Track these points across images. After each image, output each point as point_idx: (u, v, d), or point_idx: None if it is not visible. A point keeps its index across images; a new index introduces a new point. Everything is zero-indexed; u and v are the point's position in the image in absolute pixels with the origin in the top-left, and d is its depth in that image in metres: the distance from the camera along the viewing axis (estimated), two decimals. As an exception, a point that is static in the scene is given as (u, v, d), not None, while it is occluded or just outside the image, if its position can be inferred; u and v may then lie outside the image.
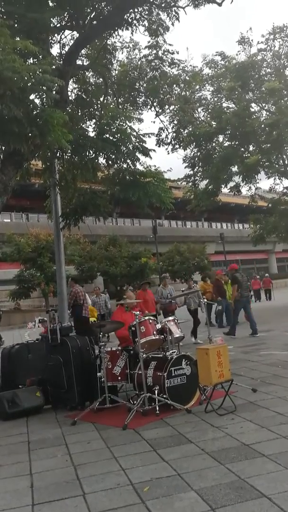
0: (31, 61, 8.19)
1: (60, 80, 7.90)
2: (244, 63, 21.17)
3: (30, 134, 7.73)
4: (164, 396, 6.07)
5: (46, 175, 12.27)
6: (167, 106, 16.11)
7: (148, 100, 15.05)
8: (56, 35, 11.64)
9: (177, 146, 20.64)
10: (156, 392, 6.10)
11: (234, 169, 22.46)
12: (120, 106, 14.37)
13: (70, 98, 12.65)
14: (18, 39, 7.91)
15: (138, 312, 6.74)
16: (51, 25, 10.29)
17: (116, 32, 12.83)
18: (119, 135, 10.41)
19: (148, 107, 15.28)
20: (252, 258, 71.26)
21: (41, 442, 5.61)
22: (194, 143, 21.58)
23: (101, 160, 11.33)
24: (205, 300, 8.26)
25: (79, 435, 5.68)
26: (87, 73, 13.90)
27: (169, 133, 19.06)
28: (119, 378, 6.74)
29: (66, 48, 11.97)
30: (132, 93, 14.98)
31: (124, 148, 10.58)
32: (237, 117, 20.23)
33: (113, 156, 10.72)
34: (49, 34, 10.38)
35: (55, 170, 11.51)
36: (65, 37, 12.18)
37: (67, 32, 11.93)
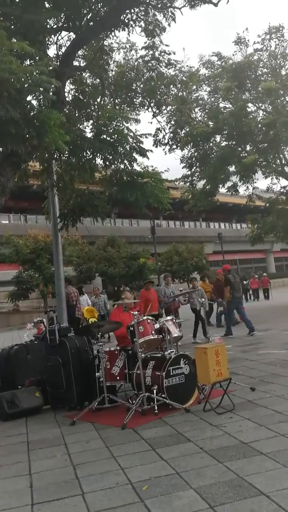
0: (28, 63, 8.22)
1: (57, 81, 7.92)
2: (241, 63, 21.20)
3: (27, 135, 7.75)
4: (163, 395, 6.08)
5: (43, 176, 12.28)
6: (164, 107, 16.10)
7: (145, 100, 15.06)
8: (52, 36, 11.64)
9: (174, 146, 20.67)
10: (154, 391, 6.12)
11: (232, 169, 22.50)
12: (117, 107, 14.37)
13: (67, 99, 12.66)
14: (15, 40, 7.93)
15: (136, 312, 6.75)
16: (48, 26, 10.29)
17: (112, 33, 12.84)
18: (116, 136, 10.42)
19: (145, 107, 15.29)
20: (250, 258, 71.34)
21: (40, 442, 5.62)
22: (191, 143, 21.60)
23: (99, 161, 11.36)
24: (203, 300, 8.30)
25: (78, 435, 5.70)
26: (84, 74, 13.90)
27: (166, 133, 19.11)
28: (118, 378, 6.75)
29: (63, 49, 12.00)
30: (129, 94, 14.98)
31: (121, 149, 10.59)
32: (234, 117, 20.25)
33: (111, 157, 10.73)
34: (46, 35, 10.39)
35: (52, 171, 11.52)
36: (62, 38, 12.20)
37: (63, 33, 11.95)
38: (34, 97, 8.01)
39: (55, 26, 11.21)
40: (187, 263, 44.64)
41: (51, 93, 7.95)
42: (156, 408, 6.01)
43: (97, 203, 11.23)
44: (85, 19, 10.99)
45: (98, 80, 13.99)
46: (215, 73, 22.04)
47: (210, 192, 23.36)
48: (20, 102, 7.45)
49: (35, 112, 7.82)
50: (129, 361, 6.83)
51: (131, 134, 10.86)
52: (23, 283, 37.61)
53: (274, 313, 19.61)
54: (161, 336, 6.81)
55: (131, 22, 12.07)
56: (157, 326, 6.86)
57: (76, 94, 13.85)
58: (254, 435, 4.76)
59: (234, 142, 22.08)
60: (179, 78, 15.36)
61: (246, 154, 21.81)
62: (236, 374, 7.53)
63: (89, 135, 11.44)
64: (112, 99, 14.74)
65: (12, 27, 8.73)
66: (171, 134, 19.83)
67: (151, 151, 11.25)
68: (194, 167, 22.95)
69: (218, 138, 22.69)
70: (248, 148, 22.44)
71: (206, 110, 22.27)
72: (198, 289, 13.20)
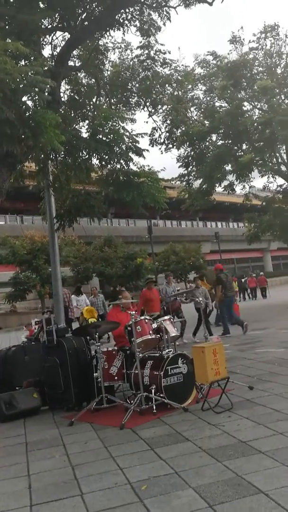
0: (23, 63, 8.18)
1: (52, 81, 7.89)
2: (236, 62, 21.20)
3: (23, 136, 7.73)
4: (161, 395, 6.07)
5: (39, 177, 12.24)
6: (159, 106, 16.11)
7: (141, 100, 15.04)
8: (47, 36, 11.60)
9: (170, 145, 20.69)
10: (152, 391, 6.11)
11: (228, 168, 22.51)
12: (112, 107, 14.36)
13: (63, 99, 12.62)
14: (9, 40, 7.90)
15: (133, 312, 6.75)
16: (42, 26, 10.27)
17: (107, 33, 12.80)
18: (112, 135, 10.40)
19: (141, 107, 15.27)
20: (247, 257, 71.47)
21: (39, 443, 5.61)
22: (187, 143, 21.60)
23: (95, 161, 11.33)
24: (201, 299, 8.31)
25: (77, 435, 5.69)
26: (79, 74, 13.87)
27: (162, 133, 19.13)
28: (116, 378, 6.75)
29: (58, 49, 11.95)
30: (125, 94, 14.96)
31: (117, 149, 10.58)
32: (229, 116, 20.26)
33: (107, 157, 10.72)
34: (40, 35, 10.35)
35: (48, 172, 11.49)
36: (57, 38, 12.15)
37: (58, 33, 11.91)
38: (29, 98, 7.97)
39: (49, 26, 11.18)
40: (184, 263, 44.71)
41: (46, 93, 7.92)
42: (154, 407, 6.01)
43: (94, 203, 11.21)
44: (79, 19, 10.96)
45: (93, 80, 13.95)
46: (211, 72, 22.05)
47: (207, 191, 23.36)
48: (15, 103, 7.42)
49: (30, 112, 7.79)
50: (127, 361, 6.82)
51: (127, 133, 10.85)
52: (20, 284, 37.63)
53: (272, 311, 19.63)
54: (159, 335, 6.81)
55: (126, 22, 12.05)
56: (154, 325, 6.85)
57: (72, 94, 13.82)
58: (252, 434, 4.75)
59: (230, 141, 22.08)
60: (175, 78, 15.35)
61: (242, 153, 21.81)
62: (234, 373, 7.53)
63: (85, 135, 11.42)
64: (107, 99, 14.72)
65: (7, 27, 8.71)
66: (167, 134, 19.86)
67: (147, 150, 11.24)
68: (191, 166, 22.95)
69: (214, 137, 22.70)
70: (244, 147, 22.44)
71: (202, 109, 22.28)
72: (201, 288, 13.14)
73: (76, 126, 12.76)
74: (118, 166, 11.07)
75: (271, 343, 10.78)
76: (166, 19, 12.09)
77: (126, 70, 14.77)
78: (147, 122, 17.21)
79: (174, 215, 57.05)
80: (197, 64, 22.21)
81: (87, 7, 10.98)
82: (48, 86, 7.68)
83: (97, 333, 6.79)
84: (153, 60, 14.00)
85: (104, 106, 13.69)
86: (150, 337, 6.62)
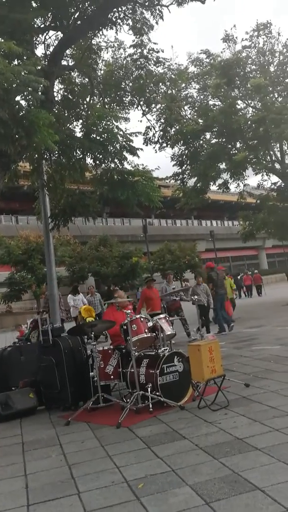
0: (16, 62, 8.16)
1: (45, 81, 7.88)
2: (229, 60, 21.19)
3: (16, 136, 7.71)
4: (157, 393, 6.08)
5: (34, 177, 12.23)
6: (153, 105, 16.08)
7: (135, 99, 15.02)
8: (40, 35, 11.57)
9: (164, 144, 20.65)
10: (149, 389, 6.12)
11: (222, 166, 22.51)
12: (106, 106, 14.34)
13: (56, 98, 12.59)
14: (2, 40, 7.88)
15: (129, 311, 6.75)
16: (35, 25, 10.25)
17: (100, 32, 12.80)
18: (106, 135, 10.40)
19: (135, 106, 15.25)
20: (242, 255, 71.60)
21: (35, 443, 5.61)
22: (181, 141, 21.57)
23: (89, 160, 11.33)
24: (196, 297, 8.32)
25: (73, 435, 5.69)
26: (72, 74, 13.83)
27: (156, 131, 19.07)
28: (112, 377, 6.75)
29: (51, 49, 11.92)
30: (118, 93, 14.94)
31: (111, 148, 10.58)
32: (223, 114, 20.25)
33: (101, 156, 10.72)
34: (33, 34, 10.33)
35: (42, 172, 11.47)
36: (50, 37, 12.12)
37: (51, 32, 11.88)
38: (23, 97, 7.96)
39: (42, 26, 11.16)
40: (179, 262, 44.68)
41: (39, 93, 7.91)
42: (150, 406, 6.02)
43: (88, 203, 11.21)
44: (72, 18, 10.94)
45: (87, 79, 13.93)
46: (204, 70, 22.03)
47: (201, 190, 23.36)
48: (9, 102, 7.41)
49: (23, 112, 7.77)
50: (123, 360, 6.82)
51: (121, 133, 10.85)
52: (16, 284, 37.53)
53: (267, 309, 19.68)
54: (154, 334, 6.81)
55: (119, 21, 12.04)
56: (150, 324, 6.86)
57: (65, 93, 13.79)
58: (249, 431, 4.77)
59: (224, 140, 22.07)
60: (168, 76, 15.33)
61: (236, 151, 21.80)
62: (230, 371, 7.56)
63: (78, 134, 11.41)
64: (101, 98, 14.69)
65: (-1, 26, 8.68)
66: (161, 132, 19.81)
67: (141, 149, 11.24)
68: (185, 165, 22.93)
69: (208, 135, 22.68)
70: (238, 145, 22.44)
71: (196, 108, 22.25)
72: (202, 285, 13.12)
73: (70, 126, 12.75)
74: (113, 165, 11.07)
75: (267, 340, 10.81)
76: (158, 17, 12.09)
77: (119, 69, 14.75)
78: (141, 121, 17.16)
79: (169, 214, 57.07)
80: (191, 62, 22.20)
81: (80, 6, 10.96)
82: (41, 85, 7.68)
83: (93, 332, 6.79)
84: (147, 59, 13.98)
85: (98, 105, 13.67)
86: (145, 335, 6.63)
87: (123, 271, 39.99)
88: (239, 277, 33.98)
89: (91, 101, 13.91)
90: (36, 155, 10.21)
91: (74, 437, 5.57)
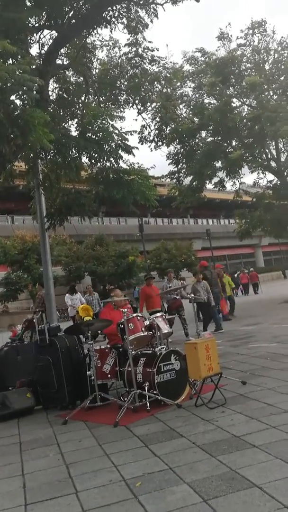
0: (10, 61, 8.14)
1: (40, 80, 7.87)
2: (224, 59, 21.21)
3: (11, 135, 7.70)
4: (154, 392, 6.08)
5: (29, 176, 12.21)
6: (148, 104, 16.06)
7: (130, 98, 15.00)
8: (34, 34, 11.55)
9: (160, 143, 20.65)
10: (146, 388, 6.12)
11: (218, 164, 22.53)
12: (101, 105, 14.31)
13: (51, 97, 12.58)
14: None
15: (125, 310, 6.75)
16: (29, 24, 10.22)
17: (95, 31, 12.79)
18: (101, 133, 10.39)
19: (130, 105, 15.22)
20: (239, 253, 71.66)
21: (33, 442, 5.61)
22: (177, 140, 21.58)
23: (84, 159, 11.31)
24: (193, 295, 8.33)
25: (71, 434, 5.69)
26: (67, 72, 13.81)
27: (151, 130, 19.09)
28: (109, 376, 6.75)
29: (45, 48, 11.90)
30: (114, 91, 14.92)
31: (106, 147, 10.57)
32: (219, 113, 20.25)
33: (96, 155, 10.71)
34: (28, 34, 10.31)
35: (38, 171, 11.46)
36: (44, 36, 12.10)
37: (46, 31, 11.86)
38: (18, 96, 7.94)
39: (36, 25, 11.13)
40: (176, 260, 44.74)
41: (34, 92, 7.90)
42: (148, 404, 6.02)
43: (84, 202, 11.20)
44: (67, 17, 10.92)
45: (81, 78, 13.91)
46: (199, 69, 22.04)
47: (197, 188, 23.37)
48: (3, 102, 7.40)
49: (18, 111, 7.76)
50: (120, 359, 6.83)
51: (116, 131, 10.85)
52: (12, 284, 37.47)
53: (264, 307, 19.73)
54: (151, 332, 6.81)
55: (113, 19, 12.02)
56: (147, 323, 6.86)
57: (60, 92, 13.75)
58: (246, 428, 4.78)
59: (219, 138, 22.09)
60: (163, 75, 15.30)
61: (232, 150, 21.84)
62: (227, 369, 7.57)
63: (74, 133, 11.40)
64: (96, 97, 14.67)
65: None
66: (157, 131, 19.82)
67: (137, 148, 11.24)
68: (181, 164, 22.94)
69: (203, 134, 22.70)
70: (233, 143, 22.46)
71: (191, 106, 22.26)
72: (202, 282, 13.10)
73: (65, 125, 12.74)
74: (108, 164, 11.07)
75: (264, 338, 10.83)
76: (153, 16, 12.07)
77: (114, 68, 14.72)
78: (136, 119, 17.30)
79: (165, 213, 57.06)
80: (186, 61, 22.22)
81: (74, 5, 10.94)
82: (36, 84, 7.66)
83: (90, 331, 6.78)
84: (141, 57, 13.97)
85: (93, 104, 13.65)
86: (142, 334, 6.63)
87: (119, 270, 39.99)
88: (235, 275, 34.05)
89: (86, 100, 13.88)
90: (32, 155, 10.20)
91: (71, 436, 5.57)
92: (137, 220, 45.05)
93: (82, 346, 7.36)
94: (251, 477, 3.62)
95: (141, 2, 11.94)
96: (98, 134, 10.37)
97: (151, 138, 19.69)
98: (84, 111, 12.42)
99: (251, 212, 25.15)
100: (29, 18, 9.90)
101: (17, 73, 7.28)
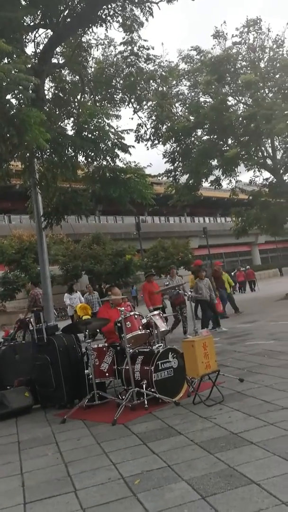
0: (5, 61, 8.13)
1: (35, 79, 7.87)
2: (220, 57, 21.17)
3: (7, 134, 7.70)
4: (152, 390, 6.10)
5: (26, 176, 12.21)
6: (144, 102, 16.08)
7: (126, 96, 15.01)
8: (30, 33, 11.56)
9: (156, 141, 20.66)
10: (144, 386, 6.13)
11: (214, 162, 22.53)
12: (97, 104, 14.32)
13: (47, 97, 12.59)
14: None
15: (123, 308, 6.76)
16: (25, 23, 10.22)
17: (90, 29, 12.81)
18: (97, 132, 10.41)
19: (126, 103, 15.23)
20: (235, 251, 71.69)
21: (31, 441, 5.61)
22: (173, 138, 21.57)
23: (81, 158, 11.33)
24: (190, 293, 8.32)
25: (69, 432, 5.70)
26: (63, 71, 13.81)
27: (147, 129, 19.11)
28: (107, 374, 6.76)
29: (41, 47, 11.90)
30: (109, 90, 14.92)
31: (103, 145, 10.58)
32: (214, 111, 20.26)
33: (92, 154, 10.72)
34: (23, 33, 10.30)
35: (34, 170, 11.45)
36: (39, 35, 12.12)
37: (41, 30, 11.87)
38: (13, 96, 7.93)
39: (32, 24, 11.13)
40: (173, 258, 44.68)
41: (30, 91, 7.90)
42: (146, 402, 6.03)
43: (81, 201, 11.20)
44: (62, 15, 10.92)
45: (77, 77, 13.91)
46: (195, 67, 22.00)
47: (194, 187, 23.37)
48: (-1, 101, 7.40)
49: (14, 110, 7.76)
50: (118, 357, 6.84)
51: (113, 130, 10.87)
52: (9, 283, 37.44)
53: (260, 304, 19.77)
54: (148, 331, 6.83)
55: (109, 18, 12.02)
56: (144, 321, 6.88)
57: (56, 91, 13.76)
58: (243, 425, 4.79)
59: (215, 136, 22.09)
60: (159, 73, 15.32)
61: (227, 148, 21.84)
62: (224, 366, 7.59)
63: (70, 132, 11.41)
64: (92, 96, 14.67)
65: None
66: (153, 130, 19.83)
67: (133, 147, 11.26)
68: (177, 162, 22.93)
69: (199, 132, 22.69)
70: (229, 141, 22.47)
71: (187, 105, 22.24)
72: (205, 280, 13.09)
73: (61, 124, 12.76)
74: (104, 162, 11.08)
75: (261, 335, 10.86)
76: (148, 14, 12.08)
77: (110, 66, 14.73)
78: (132, 118, 17.29)
79: (162, 211, 57.09)
80: (181, 59, 22.18)
81: (69, 3, 10.94)
82: (31, 83, 7.66)
83: (87, 330, 6.79)
84: (137, 56, 13.97)
85: (89, 103, 13.66)
86: (140, 332, 6.64)
87: (116, 268, 39.96)
88: (232, 273, 34.10)
89: (82, 99, 13.89)
90: (28, 154, 10.19)
91: (70, 435, 5.58)
92: (134, 218, 45.00)
93: (80, 345, 7.37)
94: (249, 474, 3.64)
95: (136, 1, 11.95)
96: (94, 133, 10.39)
97: (147, 136, 19.72)
98: (80, 110, 12.42)
99: (247, 210, 25.17)
100: (24, 17, 9.92)
101: (13, 72, 7.29)
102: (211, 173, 23.05)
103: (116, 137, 10.82)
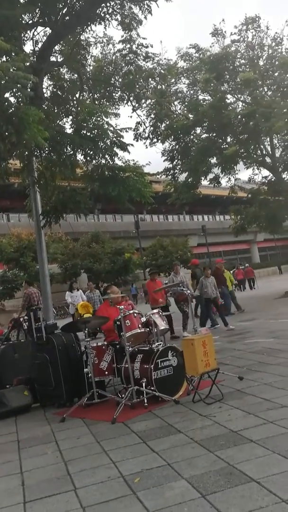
0: (4, 59, 8.11)
1: (34, 77, 7.85)
2: (218, 55, 21.14)
3: (6, 133, 7.68)
4: (152, 388, 6.09)
5: (24, 174, 12.20)
6: (143, 100, 16.05)
7: (124, 94, 14.98)
8: (28, 31, 11.52)
9: (155, 140, 20.63)
10: (143, 384, 6.13)
11: (213, 161, 22.50)
12: (96, 102, 14.29)
13: (45, 95, 12.56)
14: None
15: (122, 307, 6.76)
16: (23, 21, 10.19)
17: (89, 27, 12.74)
18: (96, 131, 10.39)
19: (125, 101, 15.20)
20: (234, 249, 71.81)
21: (31, 440, 5.61)
22: (172, 136, 21.54)
23: (79, 156, 11.31)
24: (189, 292, 8.34)
25: (69, 431, 5.69)
26: (61, 70, 13.78)
27: (146, 127, 19.07)
28: (106, 372, 6.75)
29: (39, 45, 11.87)
30: (108, 88, 14.89)
31: (101, 144, 10.56)
32: (213, 109, 20.22)
33: (91, 152, 10.70)
34: (21, 31, 10.27)
35: (33, 169, 11.44)
36: (38, 33, 12.06)
37: (39, 28, 11.82)
38: (12, 94, 7.92)
39: (30, 22, 11.10)
40: (172, 257, 44.69)
41: (28, 89, 7.88)
42: (145, 401, 6.03)
43: (80, 199, 11.19)
44: (60, 13, 10.88)
45: (76, 75, 13.88)
46: (193, 65, 21.96)
47: (193, 185, 23.35)
48: (-2, 99, 7.38)
49: (13, 109, 7.74)
50: (117, 356, 6.82)
51: (111, 128, 10.85)
52: (8, 282, 37.44)
53: (260, 302, 19.78)
54: (148, 329, 6.82)
55: (107, 16, 11.97)
56: (143, 319, 6.88)
57: (55, 90, 13.73)
58: (243, 423, 4.79)
59: (214, 134, 22.06)
60: (158, 71, 15.28)
61: (226, 146, 21.82)
62: (224, 364, 7.59)
63: (69, 131, 11.39)
64: (91, 94, 14.64)
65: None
66: (152, 128, 19.80)
67: (132, 145, 11.24)
68: (176, 160, 22.91)
69: (198, 130, 22.66)
70: (228, 139, 22.43)
71: (186, 103, 22.21)
72: (210, 278, 13.06)
73: (60, 122, 12.73)
74: (103, 161, 11.07)
75: (260, 333, 10.87)
76: (147, 12, 12.03)
77: (108, 64, 14.69)
78: (131, 116, 17.20)
79: (161, 210, 57.11)
80: (180, 57, 22.12)
81: (68, 1, 10.90)
82: (30, 82, 7.65)
83: (87, 329, 6.78)
84: (136, 54, 13.93)
85: (88, 102, 13.62)
86: (139, 331, 6.63)
87: (115, 267, 39.99)
88: (231, 271, 34.12)
89: (81, 97, 13.86)
90: (26, 152, 10.18)
91: (69, 434, 5.58)
92: (133, 217, 44.96)
93: (79, 344, 7.37)
94: (249, 472, 3.64)
95: (135, -1, 11.91)
96: (93, 131, 10.37)
97: (146, 135, 19.68)
98: (79, 108, 12.40)
99: (246, 208, 25.17)
100: (23, 15, 9.87)
101: (11, 70, 7.27)
102: (210, 171, 23.03)
103: (115, 135, 10.81)
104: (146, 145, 20.41)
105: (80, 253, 40.63)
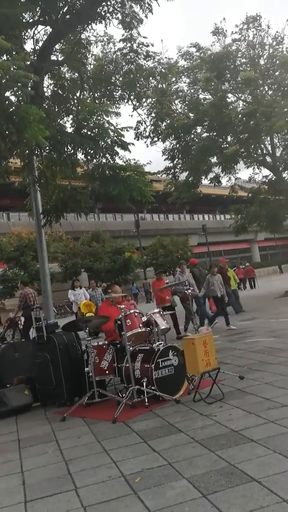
0: (4, 58, 8.10)
1: (35, 76, 7.83)
2: (219, 54, 21.11)
3: (6, 132, 7.67)
4: (153, 387, 6.09)
5: (25, 173, 12.18)
6: (144, 99, 16.02)
7: (125, 93, 14.95)
8: (29, 30, 11.51)
9: (155, 139, 20.62)
10: (144, 384, 6.13)
11: (213, 160, 22.48)
12: (96, 101, 14.28)
13: (46, 94, 12.54)
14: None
15: (123, 306, 6.75)
16: (23, 20, 10.17)
17: (89, 26, 12.73)
18: (97, 129, 10.37)
19: (125, 100, 15.17)
20: (235, 248, 71.80)
21: (32, 439, 5.61)
22: (172, 136, 21.52)
23: (80, 155, 11.29)
24: (190, 291, 8.34)
25: (69, 430, 5.69)
26: (62, 69, 13.77)
27: (147, 126, 19.07)
28: (107, 372, 6.75)
29: (40, 44, 11.86)
30: (109, 87, 14.86)
31: (102, 143, 10.54)
32: (214, 108, 20.20)
33: (92, 151, 10.68)
34: (22, 29, 10.25)
35: (33, 168, 11.42)
36: (38, 32, 12.05)
37: (40, 27, 11.81)
38: (12, 93, 7.90)
39: (31, 20, 11.09)
40: (172, 256, 44.74)
41: (29, 88, 7.87)
42: (146, 400, 6.03)
43: (80, 198, 11.18)
44: (61, 12, 10.86)
45: (76, 74, 13.86)
46: (194, 64, 21.93)
47: (193, 184, 23.32)
48: (-2, 98, 7.37)
49: (13, 107, 7.73)
50: (118, 355, 6.83)
51: (112, 127, 10.80)
52: (8, 281, 37.45)
53: (260, 301, 19.78)
54: (148, 328, 6.82)
55: (108, 15, 11.95)
56: (144, 319, 6.87)
57: (55, 88, 13.72)
58: (244, 423, 4.79)
59: (215, 133, 22.03)
60: (158, 70, 15.25)
61: (227, 145, 21.79)
62: (224, 364, 7.59)
63: (69, 130, 11.37)
64: (91, 93, 14.63)
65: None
66: (152, 127, 19.79)
67: (133, 144, 11.20)
68: (176, 159, 22.89)
69: (199, 129, 22.63)
70: (229, 138, 22.41)
71: (186, 102, 22.19)
72: (217, 276, 13.01)
73: (61, 121, 12.72)
74: (104, 160, 11.04)
75: (261, 332, 10.86)
76: (147, 11, 12.00)
77: (109, 63, 14.67)
78: (131, 115, 17.19)
79: (161, 209, 57.08)
80: (181, 56, 22.09)
81: (68, 0, 10.88)
82: (31, 81, 7.63)
83: (88, 328, 6.78)
84: (136, 53, 13.91)
85: (88, 100, 13.61)
86: (140, 330, 6.63)
87: (116, 266, 40.00)
88: (232, 270, 34.10)
89: (81, 96, 13.85)
90: (27, 151, 10.15)
91: (70, 433, 5.58)
92: (133, 216, 45.00)
93: (80, 343, 7.36)
94: (250, 471, 3.64)
95: (136, -3, 11.88)
96: (94, 130, 10.35)
97: (147, 134, 19.68)
98: (79, 107, 12.38)
99: (246, 207, 25.15)
100: (23, 14, 9.86)
101: (12, 69, 7.26)
102: (211, 170, 23.01)
103: (116, 134, 10.78)
104: (146, 144, 20.42)
105: (81, 252, 40.65)
